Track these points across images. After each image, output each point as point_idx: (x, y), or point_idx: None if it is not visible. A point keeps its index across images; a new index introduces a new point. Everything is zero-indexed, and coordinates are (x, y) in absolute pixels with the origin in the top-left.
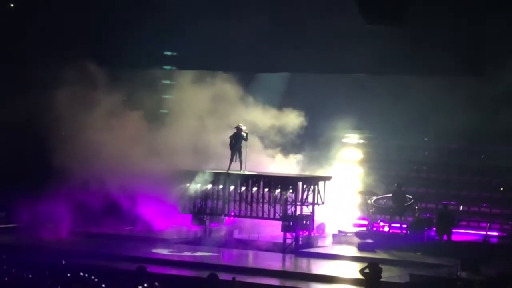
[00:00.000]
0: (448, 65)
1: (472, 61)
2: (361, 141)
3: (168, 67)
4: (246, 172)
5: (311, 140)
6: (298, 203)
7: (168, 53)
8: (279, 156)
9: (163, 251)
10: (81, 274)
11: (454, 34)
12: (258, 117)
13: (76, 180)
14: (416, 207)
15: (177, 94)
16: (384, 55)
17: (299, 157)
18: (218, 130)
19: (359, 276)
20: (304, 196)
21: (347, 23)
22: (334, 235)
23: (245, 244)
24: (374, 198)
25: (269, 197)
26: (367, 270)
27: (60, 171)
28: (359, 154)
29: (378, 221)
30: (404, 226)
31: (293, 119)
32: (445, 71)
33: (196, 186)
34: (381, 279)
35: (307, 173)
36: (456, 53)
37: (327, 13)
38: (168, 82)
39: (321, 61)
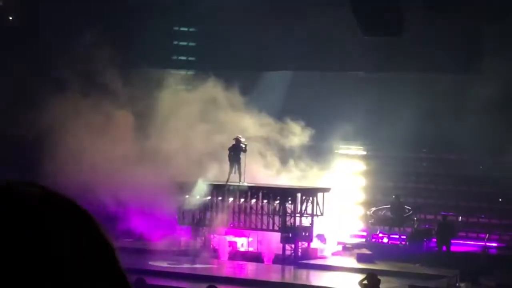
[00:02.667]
0: (443, 63)
1: (466, 58)
2: (360, 152)
3: (164, 68)
4: (245, 184)
5: (310, 150)
6: (297, 215)
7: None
8: (277, 167)
9: (161, 263)
10: None
11: (449, 35)
12: (258, 128)
13: (70, 191)
14: (415, 218)
15: (167, 98)
16: (381, 53)
17: (297, 167)
18: (212, 138)
19: None
20: (303, 208)
21: (345, 25)
22: (333, 247)
23: (244, 255)
24: (373, 209)
25: (268, 209)
26: (365, 282)
27: (54, 182)
28: (357, 165)
29: (377, 232)
30: (403, 237)
31: (297, 134)
32: (439, 69)
33: (195, 198)
34: None
35: (305, 184)
36: (451, 52)
37: (326, 13)
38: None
39: (319, 59)
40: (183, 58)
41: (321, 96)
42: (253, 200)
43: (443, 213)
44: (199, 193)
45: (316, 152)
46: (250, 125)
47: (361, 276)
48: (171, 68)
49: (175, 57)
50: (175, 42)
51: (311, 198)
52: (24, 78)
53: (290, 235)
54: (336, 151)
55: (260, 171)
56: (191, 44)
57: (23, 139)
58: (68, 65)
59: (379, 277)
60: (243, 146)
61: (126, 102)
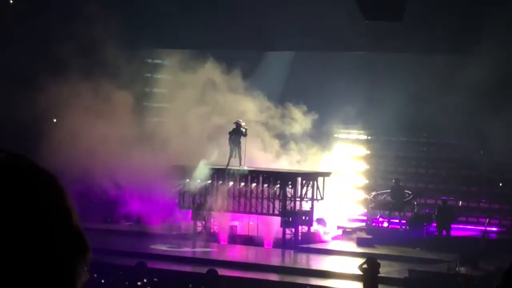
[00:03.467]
0: (443, 45)
1: (464, 39)
2: (360, 136)
3: (160, 47)
4: (245, 168)
5: (310, 134)
6: (297, 199)
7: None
8: (277, 151)
9: (162, 247)
10: None
11: (449, 16)
12: (258, 113)
13: (69, 174)
14: (415, 203)
15: (166, 80)
16: (379, 32)
17: (298, 151)
18: (211, 122)
19: (358, 272)
20: (304, 192)
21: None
22: (333, 231)
23: (245, 239)
24: (373, 193)
25: (268, 193)
26: (365, 266)
27: (52, 164)
28: (358, 150)
29: (378, 217)
30: (403, 221)
31: (299, 121)
32: (439, 50)
33: (195, 182)
34: (379, 275)
35: (305, 168)
36: (451, 33)
37: None
38: (156, 67)
39: (317, 38)
40: (183, 36)
41: (321, 80)
42: (254, 184)
43: (443, 197)
44: (200, 176)
45: (317, 135)
46: (250, 109)
47: (361, 260)
48: (171, 48)
49: (175, 36)
50: (175, 22)
51: (311, 182)
52: (21, 58)
53: (290, 219)
54: (336, 135)
55: (260, 155)
56: (192, 22)
57: (20, 121)
58: (67, 44)
59: (379, 261)
60: (244, 130)
61: (126, 83)
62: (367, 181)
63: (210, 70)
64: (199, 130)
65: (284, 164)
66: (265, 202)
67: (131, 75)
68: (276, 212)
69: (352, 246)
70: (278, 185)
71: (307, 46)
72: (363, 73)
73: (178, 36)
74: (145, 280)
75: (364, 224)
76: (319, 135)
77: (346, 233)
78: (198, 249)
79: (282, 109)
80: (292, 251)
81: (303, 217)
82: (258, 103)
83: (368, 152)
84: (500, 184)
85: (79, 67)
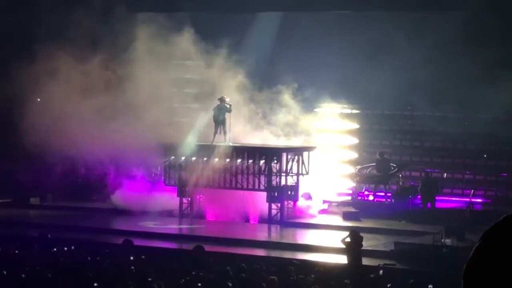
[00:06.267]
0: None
1: None
2: (345, 110)
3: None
4: (231, 144)
5: (296, 108)
6: (283, 174)
7: None
8: (261, 126)
9: (148, 224)
10: (66, 248)
11: None
12: (246, 95)
13: (55, 154)
14: (400, 176)
15: (145, 55)
16: None
17: (282, 125)
18: (196, 99)
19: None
20: (289, 167)
21: None
22: (319, 205)
23: (232, 215)
24: (358, 167)
25: (254, 168)
26: (348, 239)
27: (36, 145)
28: (343, 124)
29: (363, 190)
30: (389, 194)
31: (287, 99)
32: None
33: (181, 158)
34: (365, 248)
35: (290, 143)
36: None
37: None
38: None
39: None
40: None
41: (304, 59)
42: (239, 160)
43: (427, 170)
44: (186, 152)
45: (302, 109)
46: (236, 88)
47: (346, 234)
48: (153, 11)
49: None
50: None
51: (296, 157)
52: None
53: (276, 194)
54: (320, 109)
55: (245, 131)
56: None
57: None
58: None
59: (364, 234)
60: (228, 106)
61: (104, 52)
62: (352, 155)
63: (188, 41)
64: (184, 108)
65: (268, 137)
66: (250, 177)
67: (109, 44)
68: (262, 187)
69: (338, 220)
70: (263, 160)
71: (288, 7)
72: (345, 47)
73: None
74: (132, 258)
75: (350, 197)
76: (305, 109)
77: (332, 207)
78: (184, 226)
79: (271, 93)
80: (278, 226)
81: (289, 192)
82: (244, 81)
83: (353, 126)
84: (485, 156)
85: (53, 36)
